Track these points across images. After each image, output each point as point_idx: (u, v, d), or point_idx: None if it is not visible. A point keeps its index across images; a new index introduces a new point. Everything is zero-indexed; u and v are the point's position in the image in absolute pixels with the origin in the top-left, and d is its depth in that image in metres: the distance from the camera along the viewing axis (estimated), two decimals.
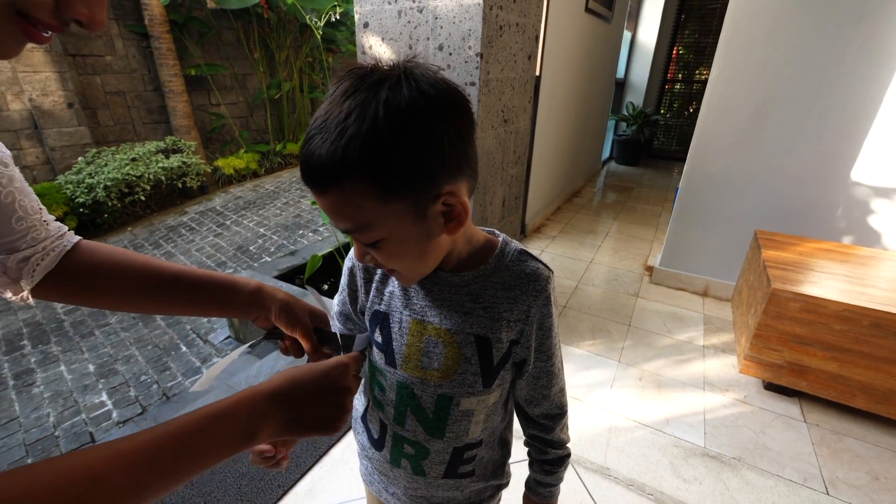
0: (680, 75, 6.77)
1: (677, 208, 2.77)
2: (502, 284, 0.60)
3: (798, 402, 1.92)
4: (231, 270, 3.81)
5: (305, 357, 0.69)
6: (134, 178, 4.73)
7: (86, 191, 4.46)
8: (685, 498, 1.49)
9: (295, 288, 2.57)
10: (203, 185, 5.71)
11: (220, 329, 2.99)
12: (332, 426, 0.52)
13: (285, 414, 0.49)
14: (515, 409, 0.73)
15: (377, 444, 0.71)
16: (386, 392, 0.66)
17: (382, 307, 0.65)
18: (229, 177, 6.09)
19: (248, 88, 6.69)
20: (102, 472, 0.35)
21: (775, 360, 1.89)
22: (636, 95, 6.78)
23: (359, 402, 0.77)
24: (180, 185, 5.27)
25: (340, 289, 0.72)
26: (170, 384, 2.53)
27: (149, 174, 4.86)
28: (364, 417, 0.74)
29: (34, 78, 4.58)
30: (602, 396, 1.94)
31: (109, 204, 4.58)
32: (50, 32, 0.40)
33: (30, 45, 0.38)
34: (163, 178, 5.00)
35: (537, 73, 3.17)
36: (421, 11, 1.68)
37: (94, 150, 4.95)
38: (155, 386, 2.52)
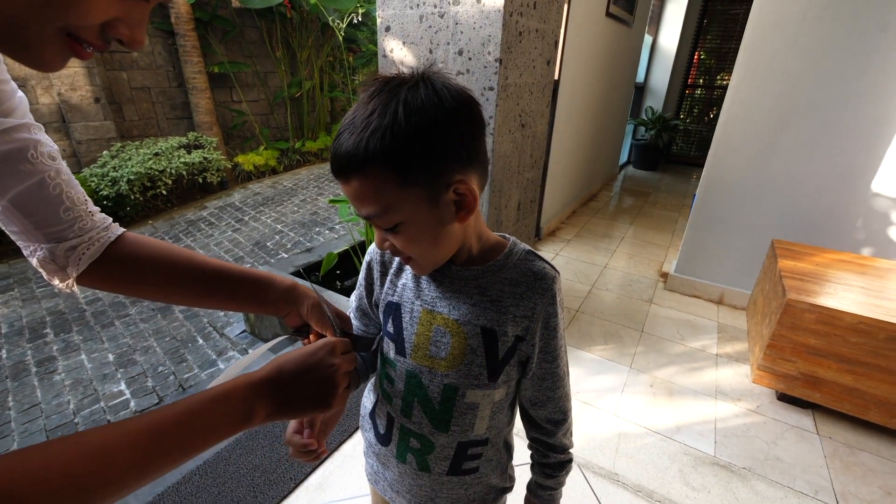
0: (701, 80, 6.67)
1: (694, 215, 2.75)
2: (510, 280, 0.63)
3: (811, 413, 1.90)
4: (248, 266, 3.86)
5: None
6: (156, 173, 4.83)
7: (110, 184, 4.57)
8: None
9: (307, 283, 2.61)
10: (223, 181, 5.81)
11: (235, 323, 3.05)
12: (324, 402, 0.56)
13: (277, 396, 0.52)
14: (520, 412, 0.76)
15: (384, 438, 0.74)
16: (395, 383, 0.69)
17: (395, 298, 0.69)
18: (249, 173, 6.19)
19: (269, 86, 6.78)
20: (113, 449, 0.39)
21: (789, 371, 1.88)
22: (656, 100, 6.72)
23: (367, 400, 0.80)
24: (201, 181, 5.37)
25: (358, 285, 0.76)
26: (186, 375, 2.59)
27: (171, 169, 4.96)
28: (372, 413, 0.77)
29: (63, 73, 4.69)
30: (612, 402, 1.94)
31: (132, 197, 4.69)
32: (92, 49, 0.43)
33: None
34: (184, 172, 5.10)
35: (556, 78, 3.17)
36: (442, 17, 1.71)
37: (119, 145, 5.07)
38: (172, 377, 2.58)
